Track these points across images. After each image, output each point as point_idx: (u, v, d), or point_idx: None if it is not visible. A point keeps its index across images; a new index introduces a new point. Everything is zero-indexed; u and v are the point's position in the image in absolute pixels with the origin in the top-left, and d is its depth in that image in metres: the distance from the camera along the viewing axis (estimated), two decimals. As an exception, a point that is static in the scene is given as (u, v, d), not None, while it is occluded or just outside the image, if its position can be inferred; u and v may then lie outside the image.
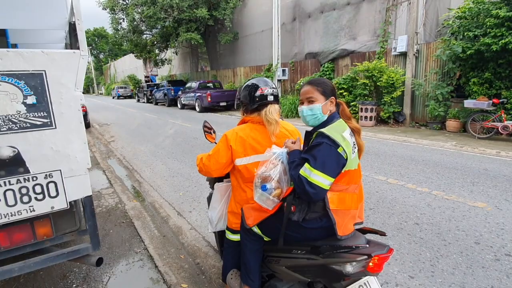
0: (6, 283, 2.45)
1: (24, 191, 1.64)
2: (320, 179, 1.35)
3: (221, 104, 15.29)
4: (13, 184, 1.61)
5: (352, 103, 10.29)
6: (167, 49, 20.80)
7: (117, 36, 19.32)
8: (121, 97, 32.18)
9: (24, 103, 1.60)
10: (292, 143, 1.61)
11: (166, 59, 22.08)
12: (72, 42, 1.89)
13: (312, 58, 13.01)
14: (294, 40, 13.80)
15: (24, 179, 1.64)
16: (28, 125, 1.62)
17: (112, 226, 3.56)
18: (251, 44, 16.63)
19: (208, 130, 2.33)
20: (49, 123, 1.68)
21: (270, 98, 1.82)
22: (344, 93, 10.47)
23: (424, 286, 2.33)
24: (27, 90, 1.60)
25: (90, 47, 52.64)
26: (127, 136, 9.39)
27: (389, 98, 9.35)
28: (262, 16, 15.18)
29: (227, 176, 2.03)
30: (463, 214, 3.46)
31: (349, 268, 1.39)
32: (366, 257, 1.35)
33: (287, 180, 1.53)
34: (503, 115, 6.98)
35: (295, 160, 1.49)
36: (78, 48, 1.72)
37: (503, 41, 6.62)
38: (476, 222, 3.27)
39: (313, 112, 1.53)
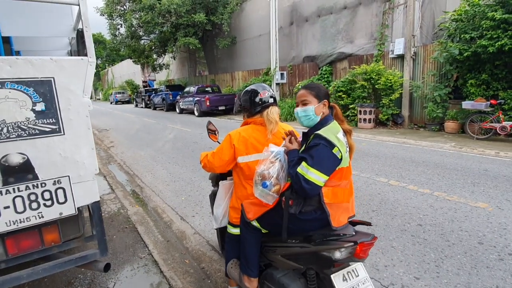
0: (12, 290, 2.43)
1: (33, 197, 1.65)
2: (316, 176, 1.49)
3: (220, 108, 15.31)
4: (22, 190, 1.62)
5: (351, 106, 10.34)
6: (165, 54, 20.85)
7: (115, 41, 19.35)
8: (119, 103, 32.16)
9: (33, 110, 1.61)
10: (290, 141, 1.74)
11: (164, 64, 22.13)
12: (79, 48, 1.91)
13: (310, 62, 13.09)
14: (291, 44, 13.89)
15: (33, 186, 1.65)
16: (37, 131, 1.63)
17: (115, 232, 3.55)
18: (249, 48, 16.71)
19: (212, 131, 2.55)
20: (57, 129, 1.69)
21: (271, 100, 2.02)
22: (343, 96, 10.52)
23: (429, 287, 2.34)
24: (36, 97, 1.61)
25: (88, 52, 52.44)
26: (127, 141, 9.38)
27: (387, 101, 9.41)
28: (259, 21, 15.28)
29: (230, 174, 2.18)
30: (466, 215, 3.48)
31: (338, 255, 1.54)
32: (352, 243, 1.50)
33: (284, 176, 1.66)
34: (500, 116, 7.04)
35: (293, 159, 1.62)
36: (86, 55, 1.74)
37: (499, 42, 6.70)
38: (478, 223, 3.29)
39: (306, 113, 1.66)
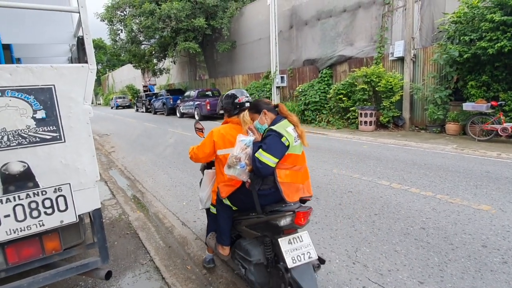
0: (12, 299, 2.41)
1: (33, 205, 1.64)
2: (268, 158, 1.89)
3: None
4: (22, 199, 1.61)
5: (352, 108, 10.34)
6: (165, 59, 20.93)
7: (115, 47, 19.44)
8: (119, 107, 32.24)
9: (33, 117, 1.61)
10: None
11: (164, 69, 22.21)
12: (80, 55, 1.91)
13: (310, 65, 13.11)
14: (291, 47, 13.93)
15: (34, 194, 1.64)
16: (37, 139, 1.63)
17: (116, 238, 3.53)
18: (249, 52, 16.76)
19: (199, 129, 3.01)
20: (58, 137, 1.68)
21: (247, 104, 2.42)
22: (344, 99, 10.53)
23: (434, 291, 2.32)
24: (36, 104, 1.61)
25: (88, 58, 52.76)
26: (128, 146, 9.38)
27: (388, 103, 9.41)
28: (259, 25, 15.34)
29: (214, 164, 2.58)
30: (469, 218, 3.45)
31: (282, 222, 1.94)
32: (292, 212, 1.92)
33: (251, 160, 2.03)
34: (502, 117, 7.02)
35: (255, 148, 2.00)
36: (87, 62, 1.74)
37: (498, 44, 6.70)
38: (481, 225, 3.26)
39: (256, 125, 2.14)
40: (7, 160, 1.55)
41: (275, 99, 13.63)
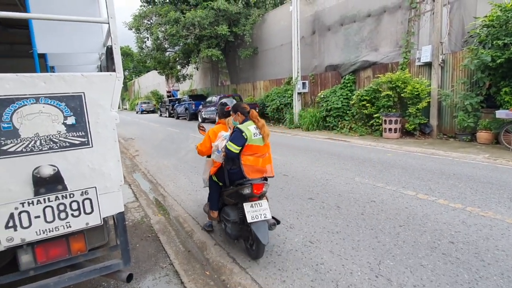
0: (40, 296, 2.52)
1: (61, 207, 1.71)
2: (231, 146, 2.88)
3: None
4: (52, 201, 1.68)
5: (375, 115, 10.09)
6: (188, 65, 21.44)
7: (141, 54, 20.18)
8: (144, 112, 33.31)
9: (64, 123, 1.68)
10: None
11: (187, 75, 22.74)
12: (108, 64, 1.99)
13: (333, 71, 12.96)
14: (314, 53, 13.85)
15: (62, 196, 1.71)
16: (67, 144, 1.70)
17: (138, 240, 3.61)
18: (270, 58, 16.83)
19: (202, 128, 3.86)
20: (86, 142, 1.75)
21: (231, 112, 3.34)
22: (367, 105, 10.30)
23: (464, 311, 2.18)
24: (67, 111, 1.69)
25: (116, 65, 55.21)
26: (151, 151, 9.64)
27: (414, 110, 9.09)
28: (281, 31, 15.40)
29: None
30: (502, 233, 3.24)
31: (245, 191, 2.87)
32: (250, 185, 2.85)
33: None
34: (539, 125, 6.58)
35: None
36: (114, 70, 1.81)
37: (536, 48, 6.32)
38: (517, 242, 3.05)
39: (232, 122, 3.21)
40: (39, 164, 1.63)
41: (296, 105, 13.56)
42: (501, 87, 7.46)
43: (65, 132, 1.69)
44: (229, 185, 3.13)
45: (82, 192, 1.76)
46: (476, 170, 5.58)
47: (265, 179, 3.08)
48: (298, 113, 13.47)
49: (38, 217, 1.65)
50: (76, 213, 1.75)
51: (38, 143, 1.63)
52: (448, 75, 8.92)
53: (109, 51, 1.83)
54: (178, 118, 22.22)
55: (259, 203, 2.91)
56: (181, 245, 3.47)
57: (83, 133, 1.73)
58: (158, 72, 22.95)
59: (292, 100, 13.86)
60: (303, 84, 13.44)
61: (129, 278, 2.03)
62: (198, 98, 20.86)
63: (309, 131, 12.20)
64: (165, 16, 16.21)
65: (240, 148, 2.89)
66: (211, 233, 3.65)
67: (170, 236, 3.67)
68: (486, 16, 7.54)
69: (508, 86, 7.31)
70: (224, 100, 3.26)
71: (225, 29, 15.67)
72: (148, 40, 19.13)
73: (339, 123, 11.67)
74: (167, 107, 24.99)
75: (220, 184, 3.28)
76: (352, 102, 11.07)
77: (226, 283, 2.70)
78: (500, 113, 7.10)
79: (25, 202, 1.62)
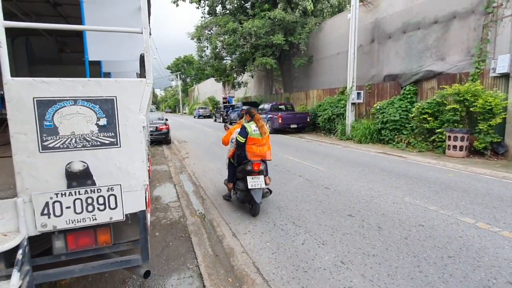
0: (77, 280, 2.77)
1: (89, 201, 1.86)
2: (239, 138, 4.35)
3: (292, 126, 15.34)
4: (81, 194, 1.84)
5: (438, 130, 9.13)
6: (244, 73, 22.10)
7: (201, 62, 21.42)
8: (201, 117, 35.18)
9: (97, 124, 1.84)
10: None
11: (242, 82, 23.43)
12: (141, 71, 2.13)
13: (392, 81, 12.15)
14: (371, 62, 13.17)
15: (91, 191, 1.86)
16: (98, 143, 1.85)
17: (172, 239, 3.77)
18: (325, 66, 16.47)
19: (226, 128, 5.27)
20: (115, 142, 1.89)
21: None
22: (429, 119, 9.38)
23: None
24: (100, 113, 1.84)
25: (180, 72, 59.71)
26: (200, 153, 10.09)
27: (485, 126, 8.01)
28: (338, 39, 14.99)
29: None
30: None
31: (248, 168, 4.28)
32: (251, 163, 4.26)
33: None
34: None
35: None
36: (145, 77, 1.93)
37: None
38: None
39: (244, 122, 4.62)
40: (73, 159, 1.81)
41: (349, 116, 12.99)
42: None
43: (97, 132, 1.84)
44: (239, 164, 4.51)
45: (108, 188, 1.89)
46: (561, 201, 4.66)
47: (263, 161, 4.47)
48: (350, 124, 12.89)
49: (69, 207, 1.83)
50: (102, 207, 1.89)
51: (73, 140, 1.81)
52: (531, 88, 7.69)
53: (142, 59, 1.96)
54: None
55: (257, 177, 4.31)
56: (210, 248, 3.52)
57: (112, 134, 1.87)
58: (215, 80, 24.08)
59: (345, 110, 13.32)
60: (358, 94, 12.84)
61: (147, 274, 2.11)
62: (252, 105, 21.29)
63: (362, 143, 11.56)
64: (224, 27, 17.00)
65: (244, 139, 4.36)
66: (229, 201, 5.15)
67: (201, 239, 3.76)
68: None
69: None
70: (244, 107, 4.20)
71: (281, 38, 15.81)
72: (207, 49, 20.26)
73: (396, 137, 10.84)
74: (221, 112, 26.02)
75: (235, 165, 4.61)
76: (412, 115, 10.20)
77: (245, 294, 2.65)
78: None
79: (59, 193, 1.80)
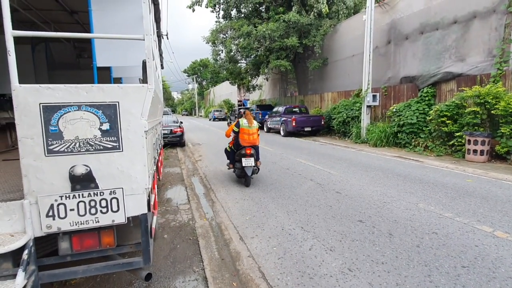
0: (86, 280, 2.84)
1: (92, 203, 1.91)
2: (235, 128, 6.23)
3: (306, 129, 15.22)
4: (85, 197, 1.89)
5: (457, 134, 8.81)
6: (258, 76, 22.17)
7: (216, 65, 21.68)
8: (216, 119, 35.52)
9: (100, 129, 1.89)
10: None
11: (257, 85, 23.49)
12: (143, 77, 2.18)
13: (409, 83, 11.84)
14: (388, 63, 12.89)
15: (94, 194, 1.91)
16: (101, 147, 1.90)
17: (180, 241, 3.81)
18: (340, 69, 16.27)
19: (229, 124, 9.09)
20: (117, 146, 1.93)
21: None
22: (448, 122, 9.07)
23: None
24: (103, 118, 1.89)
25: (196, 75, 60.65)
26: (212, 156, 10.17)
27: (508, 129, 7.65)
28: (353, 41, 14.78)
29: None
30: None
31: (242, 152, 6.03)
32: (244, 148, 6.04)
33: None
34: None
35: None
36: (147, 82, 1.96)
37: None
38: None
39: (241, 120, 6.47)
40: (76, 163, 1.86)
41: (365, 119, 12.74)
42: None
43: (100, 136, 1.89)
44: (236, 150, 6.28)
45: (111, 191, 1.94)
46: None
47: (254, 147, 6.20)
48: (366, 127, 12.64)
49: (73, 210, 1.88)
50: (104, 210, 1.93)
51: (77, 145, 1.86)
52: (558, 89, 7.30)
53: (144, 65, 2.00)
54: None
55: (249, 159, 5.97)
56: (216, 252, 3.53)
57: (115, 138, 1.92)
58: (230, 83, 24.28)
59: (360, 113, 13.08)
60: (374, 96, 12.58)
61: (148, 277, 2.14)
62: (266, 108, 21.32)
63: (377, 147, 11.31)
64: (238, 30, 17.14)
65: (238, 129, 6.18)
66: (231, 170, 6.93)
67: (209, 242, 3.77)
68: None
69: None
70: (241, 109, 7.21)
71: (295, 41, 15.76)
72: (222, 52, 20.48)
73: (413, 140, 10.54)
74: (236, 115, 26.16)
75: (234, 150, 6.36)
76: (430, 117, 9.90)
77: (248, 299, 2.63)
78: None
79: (63, 196, 1.86)
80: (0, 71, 3.86)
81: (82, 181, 1.88)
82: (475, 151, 8.20)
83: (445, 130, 9.29)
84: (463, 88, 9.08)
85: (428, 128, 10.12)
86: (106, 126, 1.90)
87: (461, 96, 8.93)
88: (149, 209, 2.13)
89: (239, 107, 28.77)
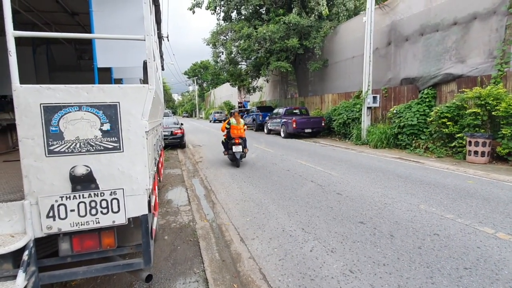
0: (86, 281, 2.83)
1: (93, 204, 1.90)
2: (227, 126, 8.58)
3: (306, 130, 15.21)
4: (85, 197, 1.89)
5: (458, 135, 8.80)
6: (258, 77, 22.18)
7: (216, 67, 21.70)
8: (216, 121, 35.52)
9: (100, 129, 1.88)
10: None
11: (257, 87, 23.49)
12: (144, 77, 2.17)
13: (409, 84, 11.84)
14: (388, 65, 12.90)
15: (94, 194, 1.90)
16: (101, 148, 1.89)
17: (180, 243, 3.79)
18: (340, 70, 16.28)
19: (223, 122, 9.28)
20: (118, 147, 1.92)
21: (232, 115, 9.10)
22: (448, 123, 9.06)
23: None
24: (104, 118, 1.89)
25: (196, 77, 60.75)
26: (213, 158, 10.16)
27: (509, 131, 7.64)
28: (354, 42, 14.80)
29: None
30: None
31: (233, 141, 8.35)
32: (234, 139, 8.35)
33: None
34: None
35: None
36: (147, 83, 1.96)
37: None
38: None
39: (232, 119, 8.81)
40: (77, 164, 1.85)
41: (365, 120, 12.74)
42: None
43: (101, 137, 1.89)
44: (229, 140, 8.36)
45: (111, 192, 1.93)
46: None
47: (241, 138, 8.30)
48: (366, 128, 12.64)
49: (73, 210, 1.87)
50: (105, 210, 1.92)
51: (78, 145, 1.86)
52: (559, 90, 7.29)
53: (145, 65, 2.00)
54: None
55: (238, 146, 8.18)
56: (217, 253, 3.52)
57: (116, 139, 1.91)
58: (230, 84, 24.30)
59: (361, 115, 13.08)
60: (374, 98, 12.58)
61: (148, 278, 2.13)
62: (266, 109, 21.32)
63: (377, 148, 11.30)
64: (239, 32, 17.17)
65: (229, 126, 8.39)
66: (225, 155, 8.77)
67: (209, 243, 3.76)
68: None
69: None
70: (232, 111, 9.44)
71: (295, 42, 15.78)
72: (222, 54, 20.50)
73: (413, 142, 10.53)
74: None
75: (228, 141, 8.41)
76: (430, 119, 9.89)
77: (249, 300, 2.62)
78: None
79: (64, 196, 1.85)
80: (2, 73, 3.87)
81: (83, 182, 1.88)
82: (476, 152, 8.18)
83: (445, 132, 9.28)
84: (463, 89, 9.07)
85: (428, 130, 10.11)
86: (106, 127, 1.89)
87: (461, 98, 8.92)
88: (149, 210, 2.12)
89: (239, 109, 28.82)
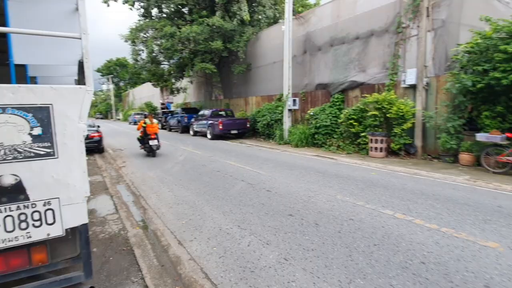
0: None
1: (22, 217, 1.71)
2: (144, 125, 10.55)
3: (232, 132, 15.54)
4: (13, 210, 1.69)
5: (362, 134, 10.26)
6: (182, 78, 21.66)
7: (136, 66, 20.36)
8: (137, 123, 33.21)
9: (30, 134, 1.71)
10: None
11: (181, 88, 22.90)
12: (80, 77, 2.04)
13: (323, 89, 13.24)
14: (305, 71, 14.16)
15: (24, 206, 1.72)
16: (32, 154, 1.72)
17: (112, 254, 3.56)
18: (263, 74, 17.13)
19: (139, 122, 11.30)
20: (52, 153, 1.78)
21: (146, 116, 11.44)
22: (354, 124, 10.48)
23: (426, 332, 2.19)
24: (34, 122, 1.72)
25: (112, 75, 55.61)
26: (138, 162, 9.59)
27: (399, 130, 9.29)
28: (274, 49, 15.76)
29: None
30: (473, 254, 3.29)
31: (149, 137, 10.49)
32: (150, 135, 10.48)
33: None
34: (517, 149, 6.77)
35: None
36: (85, 84, 1.86)
37: (512, 76, 6.59)
38: (486, 263, 3.10)
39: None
40: (1, 173, 1.65)
41: (287, 122, 13.73)
42: (481, 111, 7.71)
43: (31, 142, 1.71)
44: (145, 137, 10.42)
45: (45, 202, 1.77)
46: (455, 191, 5.68)
47: (156, 134, 10.36)
48: (288, 129, 13.62)
49: (-3, 226, 1.65)
50: (37, 223, 1.75)
51: (2, 152, 1.65)
52: (432, 97, 9.19)
53: (81, 65, 1.89)
54: (170, 130, 22.21)
55: (154, 140, 10.27)
56: (155, 259, 3.43)
57: (49, 144, 1.76)
58: (152, 84, 23.11)
59: (283, 116, 14.03)
60: (294, 101, 13.66)
61: (90, 291, 2.00)
62: (191, 111, 20.95)
63: (298, 147, 12.30)
64: (161, 30, 16.50)
65: (145, 125, 10.40)
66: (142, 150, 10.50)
67: (145, 250, 3.63)
68: (467, 43, 7.87)
69: (488, 110, 7.56)
70: (146, 113, 13.16)
71: (220, 45, 15.98)
72: (143, 52, 19.37)
73: (328, 140, 11.82)
74: (159, 119, 24.99)
75: (144, 138, 10.53)
76: (340, 120, 11.26)
77: (194, 299, 2.67)
78: (481, 136, 7.31)
79: (-16, 211, 1.62)
80: None
81: (9, 193, 1.67)
82: (376, 148, 9.68)
83: (353, 131, 10.70)
84: (365, 95, 10.61)
85: (339, 130, 11.49)
86: (37, 131, 1.72)
87: (363, 102, 10.41)
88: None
89: (162, 110, 27.59)
